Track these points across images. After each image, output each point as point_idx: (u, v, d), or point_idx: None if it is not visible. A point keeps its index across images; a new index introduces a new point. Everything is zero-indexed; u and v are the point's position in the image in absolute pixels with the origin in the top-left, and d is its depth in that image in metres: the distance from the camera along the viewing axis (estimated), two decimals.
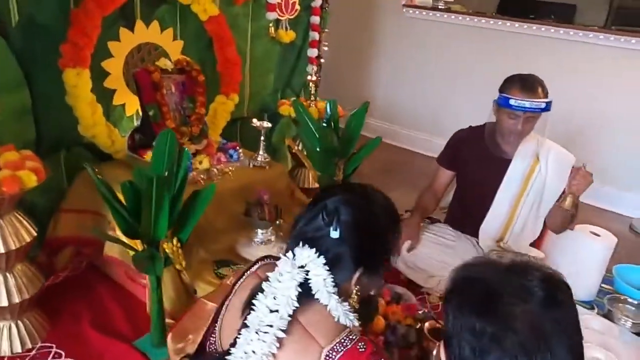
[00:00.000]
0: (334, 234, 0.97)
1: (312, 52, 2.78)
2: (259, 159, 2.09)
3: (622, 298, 2.14)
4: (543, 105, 1.76)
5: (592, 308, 2.12)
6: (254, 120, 2.10)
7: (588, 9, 4.55)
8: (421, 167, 3.76)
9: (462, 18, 3.57)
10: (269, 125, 2.09)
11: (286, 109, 2.48)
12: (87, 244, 1.81)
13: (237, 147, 2.08)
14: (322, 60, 2.91)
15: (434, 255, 2.06)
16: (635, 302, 2.12)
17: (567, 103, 3.30)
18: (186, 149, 1.62)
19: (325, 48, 2.88)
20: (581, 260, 2.14)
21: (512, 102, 1.78)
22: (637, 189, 3.17)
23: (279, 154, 2.80)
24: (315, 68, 2.73)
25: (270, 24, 2.52)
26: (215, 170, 1.91)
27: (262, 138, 2.10)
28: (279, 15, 2.54)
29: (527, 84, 1.79)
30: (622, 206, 3.19)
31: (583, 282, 2.18)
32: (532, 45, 3.36)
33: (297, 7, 2.63)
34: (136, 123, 1.97)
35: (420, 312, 1.75)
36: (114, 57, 1.89)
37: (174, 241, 1.41)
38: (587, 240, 2.14)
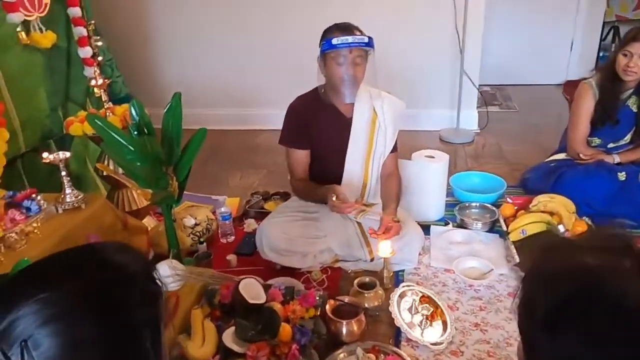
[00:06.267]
0: None
1: (85, 52, 2.29)
2: (68, 199, 1.64)
3: (466, 205, 2.36)
4: (366, 40, 1.76)
5: (447, 224, 2.29)
6: (45, 154, 1.62)
7: None
8: (239, 142, 3.59)
9: None
10: (67, 155, 1.65)
11: (78, 127, 2.00)
12: None
13: (33, 195, 1.59)
14: (100, 59, 2.43)
15: (302, 233, 1.95)
16: (476, 205, 2.36)
17: None
18: None
19: (99, 43, 2.40)
20: (425, 184, 2.27)
21: (334, 41, 1.74)
22: (437, 107, 3.54)
23: (84, 182, 2.31)
24: (96, 69, 2.27)
25: (18, 28, 1.97)
26: (13, 235, 1.43)
27: (64, 173, 1.64)
28: (26, 15, 1.99)
29: (344, 26, 1.80)
30: (428, 123, 3.53)
31: (432, 203, 2.33)
32: None
33: (46, 0, 2.11)
34: None
35: (317, 298, 1.64)
36: None
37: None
38: (425, 164, 2.27)
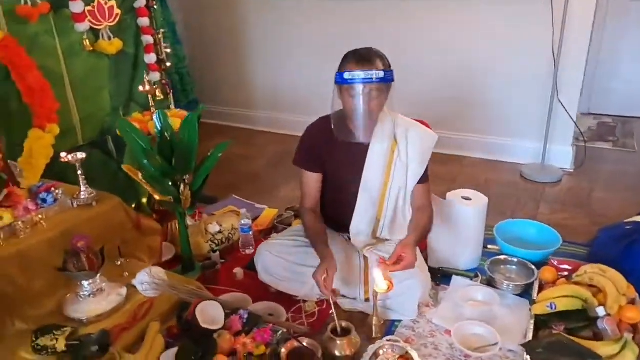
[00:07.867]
0: None
1: (150, 58, 2.50)
2: (82, 196, 1.81)
3: (502, 259, 2.05)
4: (381, 75, 1.57)
5: (476, 276, 2.02)
6: (63, 154, 1.81)
7: None
8: None
9: None
10: (83, 156, 1.81)
11: None
12: None
13: (53, 188, 1.79)
14: (168, 64, 2.64)
15: (304, 262, 1.87)
16: (515, 260, 2.04)
17: (440, 58, 3.21)
18: None
19: (168, 50, 2.60)
20: (456, 229, 2.03)
21: (346, 75, 1.58)
22: (523, 137, 3.14)
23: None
24: (153, 75, 2.48)
25: (84, 37, 2.21)
26: (19, 224, 1.62)
27: (80, 172, 1.82)
28: (94, 24, 2.23)
29: (363, 57, 1.60)
30: (511, 155, 3.15)
31: (462, 251, 2.07)
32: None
33: (117, 11, 2.33)
34: None
35: (278, 333, 1.57)
36: None
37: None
38: (459, 207, 2.03)
